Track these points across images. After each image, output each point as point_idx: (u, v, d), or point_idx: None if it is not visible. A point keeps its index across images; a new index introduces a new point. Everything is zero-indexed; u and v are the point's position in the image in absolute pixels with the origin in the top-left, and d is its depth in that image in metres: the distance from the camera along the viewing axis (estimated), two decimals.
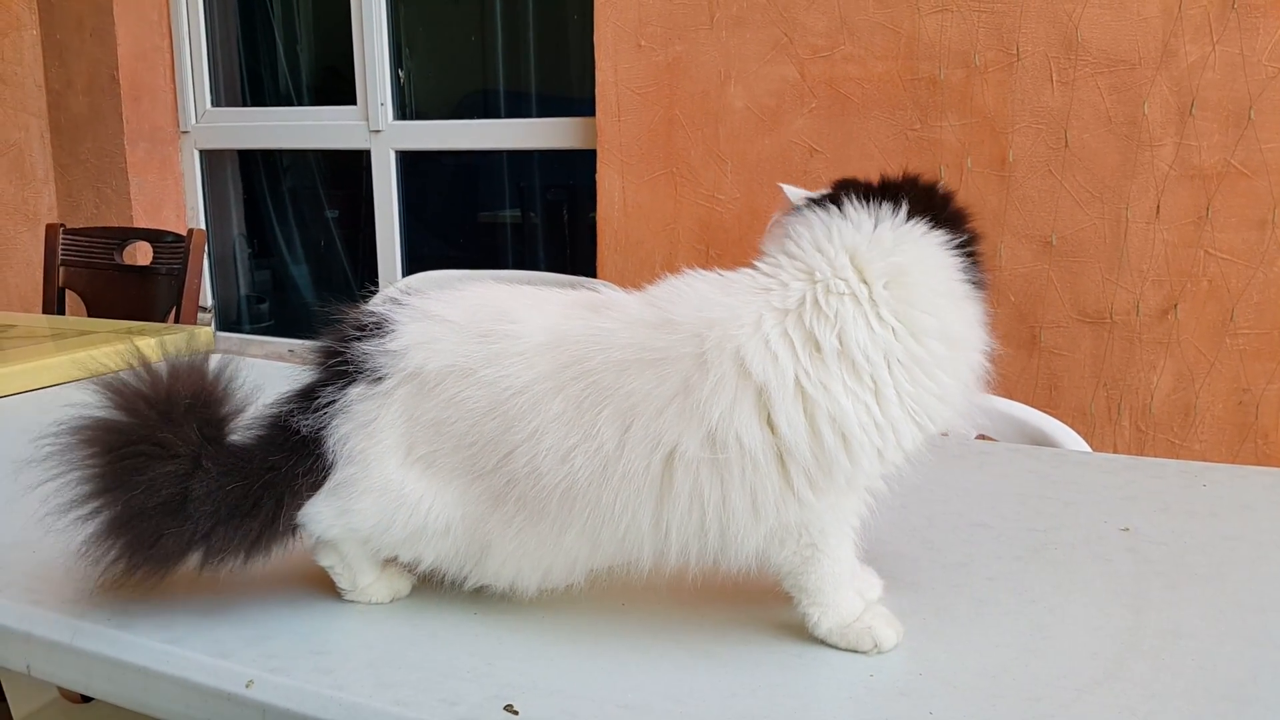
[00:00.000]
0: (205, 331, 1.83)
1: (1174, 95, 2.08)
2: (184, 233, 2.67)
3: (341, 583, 0.85)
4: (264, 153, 3.67)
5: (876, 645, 0.77)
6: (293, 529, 0.82)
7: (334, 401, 0.80)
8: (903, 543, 0.97)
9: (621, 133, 2.59)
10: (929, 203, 0.80)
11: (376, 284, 3.24)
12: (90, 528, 0.78)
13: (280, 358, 3.37)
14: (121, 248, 2.79)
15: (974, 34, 2.21)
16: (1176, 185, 2.10)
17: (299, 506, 0.81)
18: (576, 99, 2.92)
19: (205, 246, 2.83)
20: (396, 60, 3.20)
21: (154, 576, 0.80)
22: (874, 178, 0.83)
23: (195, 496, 0.77)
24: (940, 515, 1.05)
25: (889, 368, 0.75)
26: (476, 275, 2.00)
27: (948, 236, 0.79)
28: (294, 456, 0.80)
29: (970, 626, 0.82)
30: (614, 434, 0.76)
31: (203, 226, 3.56)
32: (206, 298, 3.59)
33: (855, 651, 0.77)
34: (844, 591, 0.79)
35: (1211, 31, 2.03)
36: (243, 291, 3.81)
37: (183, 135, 3.50)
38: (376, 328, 0.82)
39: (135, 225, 3.31)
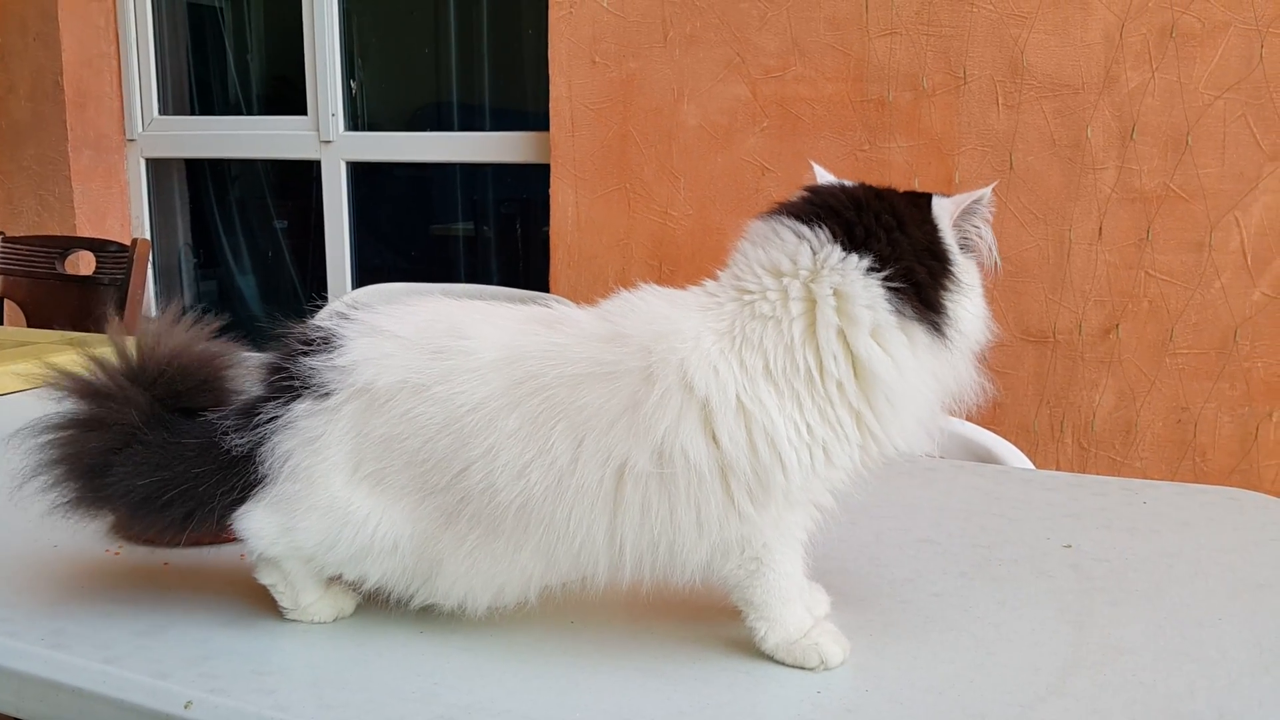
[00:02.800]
0: None
1: (1116, 120, 2.13)
2: (128, 242, 2.62)
3: (284, 601, 0.84)
4: (212, 162, 3.62)
5: (823, 662, 0.77)
6: (198, 535, 0.83)
7: (277, 417, 0.79)
8: (850, 559, 0.98)
9: (575, 148, 2.59)
10: (861, 231, 0.78)
11: (325, 296, 3.20)
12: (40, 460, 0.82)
13: None
14: (63, 257, 2.73)
15: (922, 57, 2.25)
16: (1118, 208, 2.14)
17: (212, 521, 0.81)
18: (530, 113, 2.92)
19: (149, 256, 2.77)
20: (349, 71, 3.18)
21: (77, 517, 0.84)
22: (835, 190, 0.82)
23: (115, 474, 0.80)
24: (887, 532, 1.06)
25: (810, 390, 0.76)
26: (427, 289, 1.99)
27: (871, 266, 0.77)
28: (219, 473, 0.80)
29: (916, 643, 0.82)
30: (568, 449, 0.76)
31: (148, 236, 3.49)
32: (150, 308, 3.52)
33: (802, 668, 0.78)
34: (791, 607, 0.80)
35: (1151, 59, 2.08)
36: (187, 302, 3.75)
37: (129, 143, 3.44)
38: (324, 343, 0.81)
39: (78, 234, 3.24)
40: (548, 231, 2.65)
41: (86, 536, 1.00)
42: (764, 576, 0.79)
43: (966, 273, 0.81)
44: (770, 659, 0.79)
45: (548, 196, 2.64)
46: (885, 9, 2.26)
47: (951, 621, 0.86)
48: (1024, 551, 1.01)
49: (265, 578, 0.83)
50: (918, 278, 0.78)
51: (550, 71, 2.58)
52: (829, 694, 0.75)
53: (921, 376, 0.78)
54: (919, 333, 0.77)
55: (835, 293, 0.76)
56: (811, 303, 0.77)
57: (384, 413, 0.78)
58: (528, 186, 3.07)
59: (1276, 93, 2.01)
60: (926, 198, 0.82)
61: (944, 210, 0.81)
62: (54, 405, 0.82)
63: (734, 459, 0.75)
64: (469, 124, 3.26)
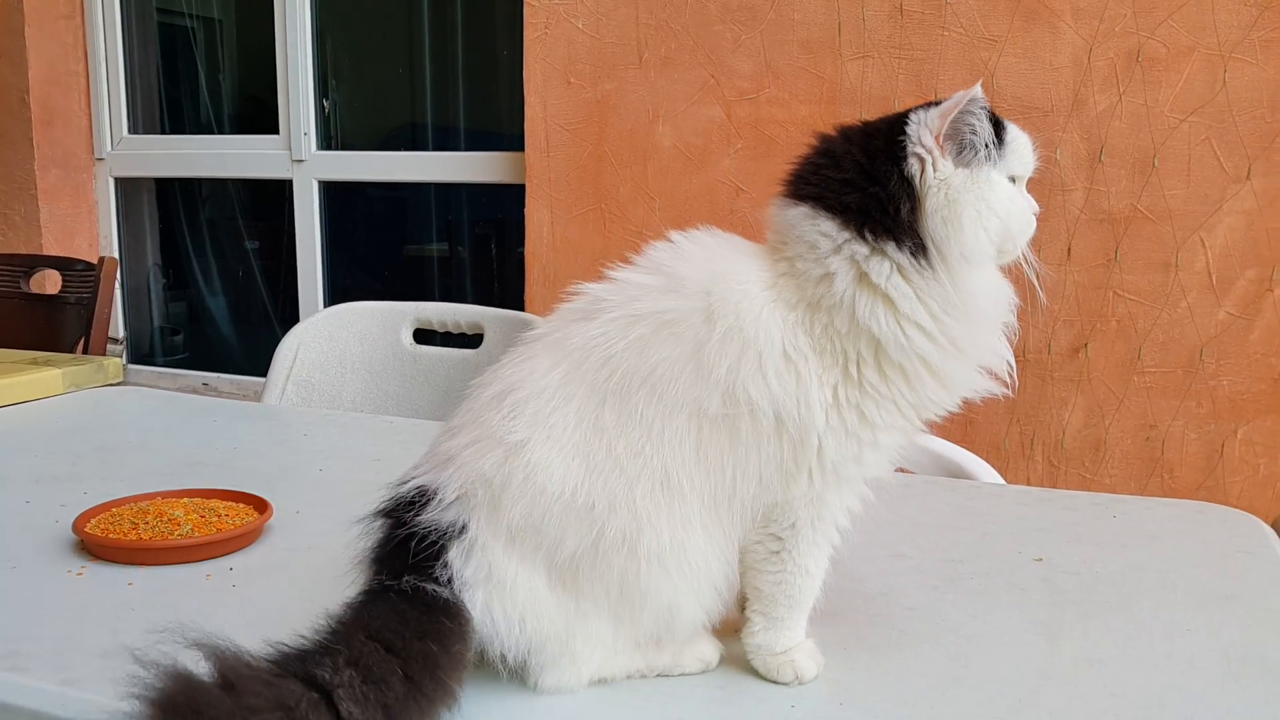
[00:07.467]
0: (114, 363, 1.77)
1: (1084, 142, 2.15)
2: (95, 261, 2.59)
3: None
4: (182, 181, 3.59)
5: (798, 677, 0.77)
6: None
7: (450, 578, 0.73)
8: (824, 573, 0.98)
9: (550, 168, 2.59)
10: (889, 222, 0.76)
11: (297, 316, 3.17)
12: None
13: (195, 391, 3.28)
14: (28, 275, 2.70)
15: (894, 80, 2.28)
16: (1086, 229, 2.17)
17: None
18: (505, 134, 2.92)
19: (117, 275, 2.74)
20: (322, 90, 3.17)
21: None
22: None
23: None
24: (860, 546, 1.05)
25: (845, 360, 0.75)
26: (399, 308, 1.98)
27: (897, 252, 0.75)
28: (436, 622, 0.71)
29: (889, 656, 0.82)
30: (658, 415, 0.74)
31: (116, 256, 3.46)
32: (118, 329, 3.49)
33: (776, 682, 0.77)
34: (794, 615, 0.79)
35: (1118, 83, 2.12)
36: (156, 323, 3.71)
37: (98, 162, 3.41)
38: (421, 497, 0.76)
39: (45, 253, 3.21)
40: (523, 252, 2.65)
41: (48, 556, 0.99)
42: (781, 562, 0.78)
43: (972, 183, 0.80)
44: (746, 666, 0.79)
45: (523, 217, 2.64)
46: (857, 32, 2.29)
47: (924, 635, 0.86)
48: (995, 565, 1.02)
49: None
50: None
51: (525, 92, 2.59)
52: (803, 708, 0.74)
53: (953, 314, 0.77)
54: (920, 278, 0.76)
55: (859, 276, 0.75)
56: (831, 276, 0.75)
57: (510, 505, 0.74)
58: (502, 207, 3.07)
59: (1239, 116, 2.05)
60: (901, 128, 0.78)
61: (923, 131, 0.78)
62: None
63: (783, 403, 0.74)
64: (444, 145, 3.26)
